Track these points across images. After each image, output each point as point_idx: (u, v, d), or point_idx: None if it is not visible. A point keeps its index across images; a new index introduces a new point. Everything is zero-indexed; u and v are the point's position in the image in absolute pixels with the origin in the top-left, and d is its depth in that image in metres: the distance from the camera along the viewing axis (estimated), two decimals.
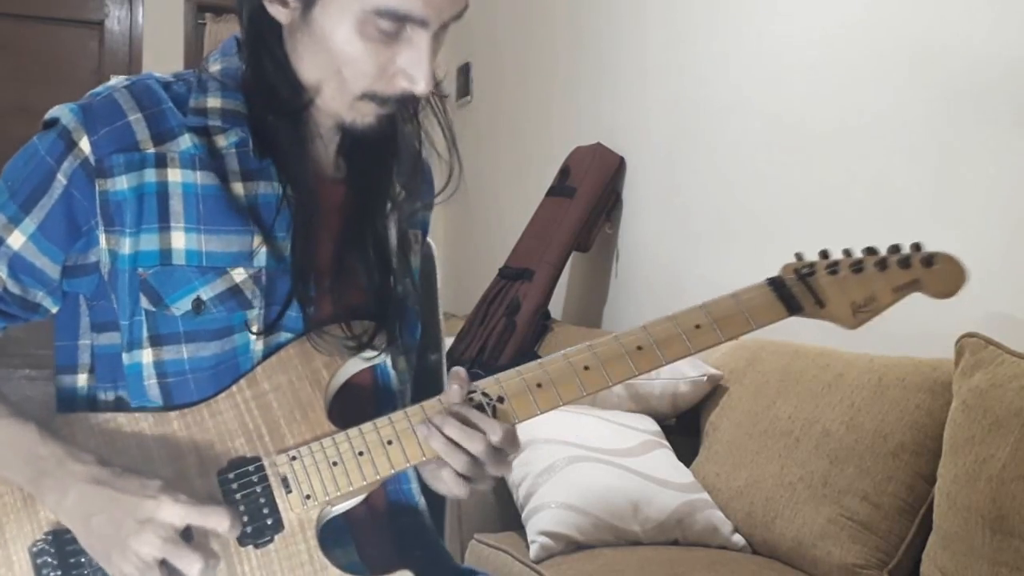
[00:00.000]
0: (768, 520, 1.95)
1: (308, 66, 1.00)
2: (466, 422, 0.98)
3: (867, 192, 2.23)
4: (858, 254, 1.09)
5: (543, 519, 1.99)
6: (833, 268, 1.07)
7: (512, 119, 4.09)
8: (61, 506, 0.93)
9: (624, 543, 1.99)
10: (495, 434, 0.98)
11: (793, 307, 1.06)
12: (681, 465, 2.15)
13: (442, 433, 0.98)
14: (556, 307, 3.41)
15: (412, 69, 0.96)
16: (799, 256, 1.10)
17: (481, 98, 4.40)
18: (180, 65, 5.05)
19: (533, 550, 1.96)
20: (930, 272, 1.07)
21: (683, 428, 2.35)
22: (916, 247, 1.08)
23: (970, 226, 1.95)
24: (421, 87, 0.96)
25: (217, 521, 0.92)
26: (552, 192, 3.31)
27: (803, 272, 1.07)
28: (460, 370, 1.03)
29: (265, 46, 1.01)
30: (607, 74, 3.36)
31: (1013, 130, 1.87)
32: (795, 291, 1.06)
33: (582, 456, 2.08)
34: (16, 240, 0.99)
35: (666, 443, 2.21)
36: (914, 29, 2.11)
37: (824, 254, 1.09)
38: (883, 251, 1.09)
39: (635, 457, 2.11)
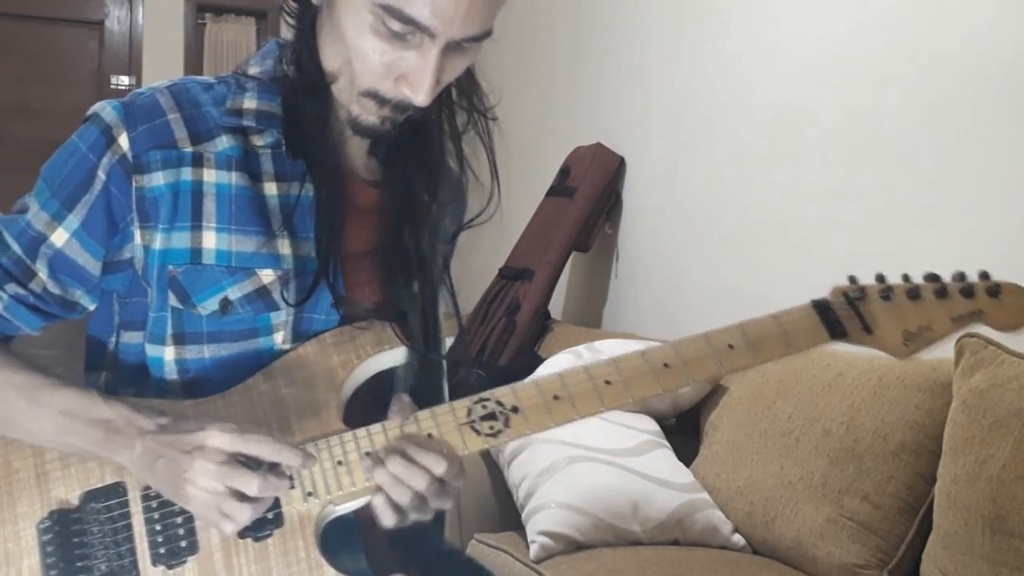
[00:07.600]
0: (768, 520, 1.95)
1: (329, 53, 1.02)
2: (410, 458, 0.95)
3: (867, 191, 2.23)
4: (918, 279, 1.02)
5: (543, 519, 1.99)
6: (887, 293, 1.00)
7: (512, 119, 4.09)
8: (130, 460, 0.95)
9: (624, 543, 1.98)
10: (439, 467, 0.95)
11: (837, 332, 1.00)
12: (681, 465, 2.15)
13: (386, 468, 0.95)
14: (556, 307, 3.40)
15: (414, 77, 0.96)
16: (852, 279, 1.02)
17: None
18: (180, 65, 5.05)
19: (533, 550, 1.96)
20: (996, 303, 0.99)
21: (683, 428, 2.35)
22: (984, 276, 1.01)
23: (969, 225, 1.95)
24: (420, 98, 0.96)
25: (258, 447, 0.91)
26: (552, 192, 3.31)
27: (852, 296, 1.01)
28: (405, 397, 1.01)
29: (303, 26, 1.04)
30: (607, 74, 3.36)
31: (1013, 130, 1.87)
32: (841, 315, 1.00)
33: (582, 456, 2.08)
34: (60, 238, 1.00)
35: (666, 443, 2.21)
36: (914, 30, 2.11)
37: (880, 278, 1.02)
38: (946, 278, 1.01)
39: (635, 457, 2.11)
